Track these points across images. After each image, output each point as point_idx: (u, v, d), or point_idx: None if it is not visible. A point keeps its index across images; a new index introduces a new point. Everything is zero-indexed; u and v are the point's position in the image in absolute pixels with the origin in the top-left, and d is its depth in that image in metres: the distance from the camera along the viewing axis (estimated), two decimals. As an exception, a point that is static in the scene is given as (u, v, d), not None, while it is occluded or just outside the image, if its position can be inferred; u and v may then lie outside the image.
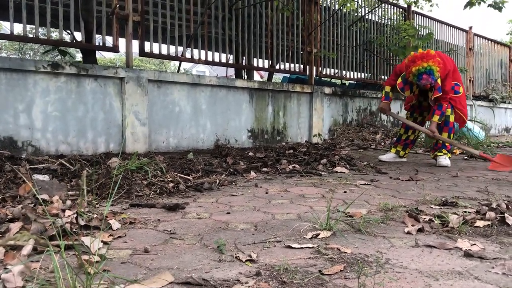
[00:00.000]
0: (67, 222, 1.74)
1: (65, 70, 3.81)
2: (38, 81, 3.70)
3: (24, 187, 2.26)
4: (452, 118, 4.25)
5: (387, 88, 4.43)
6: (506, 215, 2.00)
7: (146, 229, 1.87)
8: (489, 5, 6.73)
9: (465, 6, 6.70)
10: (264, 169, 3.73)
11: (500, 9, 6.65)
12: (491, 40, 11.36)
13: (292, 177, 3.47)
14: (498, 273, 1.37)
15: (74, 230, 1.74)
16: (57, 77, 3.80)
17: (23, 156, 3.46)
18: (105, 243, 1.64)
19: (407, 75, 3.96)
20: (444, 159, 4.26)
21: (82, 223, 1.81)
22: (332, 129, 6.64)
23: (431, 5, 9.39)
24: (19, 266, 1.24)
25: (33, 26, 3.96)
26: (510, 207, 2.20)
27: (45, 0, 3.85)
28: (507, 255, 1.55)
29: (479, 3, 6.62)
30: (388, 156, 4.64)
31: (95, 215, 1.91)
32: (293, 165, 3.83)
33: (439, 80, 4.00)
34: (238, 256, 1.50)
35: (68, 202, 2.07)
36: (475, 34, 10.50)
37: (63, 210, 1.92)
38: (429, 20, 9.06)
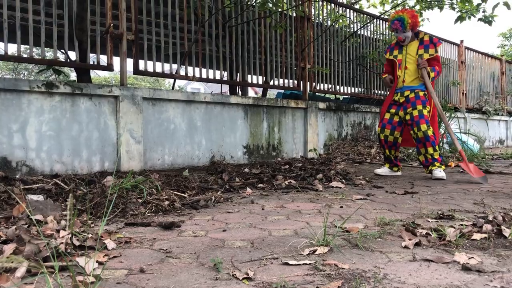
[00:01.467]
0: (62, 243, 1.72)
1: (60, 90, 3.81)
2: (32, 100, 3.70)
3: (18, 208, 2.24)
4: (431, 132, 4.27)
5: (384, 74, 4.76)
6: (502, 227, 2.00)
7: (141, 248, 1.85)
8: (479, 19, 6.84)
9: (456, 21, 6.81)
10: (260, 185, 3.72)
11: (490, 23, 6.75)
12: (483, 53, 11.50)
13: (288, 193, 3.46)
14: (496, 286, 1.37)
15: (69, 250, 1.72)
16: (51, 96, 3.80)
17: (17, 176, 3.44)
18: (100, 263, 1.62)
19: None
20: (439, 172, 4.26)
21: (77, 243, 1.79)
22: (327, 143, 6.65)
23: (422, 20, 9.52)
24: (13, 288, 1.22)
25: (28, 46, 3.98)
26: (506, 219, 2.20)
27: (39, 21, 3.87)
28: (505, 268, 1.55)
29: (469, 17, 6.74)
30: (384, 170, 4.65)
31: (90, 235, 1.89)
32: (289, 181, 3.83)
33: (426, 37, 4.44)
34: (235, 274, 1.48)
35: (63, 222, 2.05)
36: (467, 48, 10.63)
37: (58, 231, 1.90)
38: (421, 34, 9.15)
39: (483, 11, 6.81)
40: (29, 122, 3.68)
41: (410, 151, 6.52)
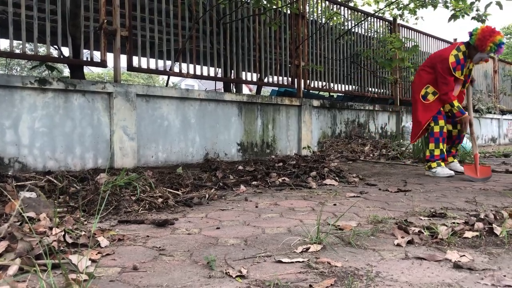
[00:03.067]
0: (55, 240, 1.71)
1: (53, 86, 3.79)
2: (25, 97, 3.67)
3: (11, 205, 2.23)
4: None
5: (456, 102, 4.41)
6: (494, 225, 2.02)
7: (135, 246, 1.85)
8: (473, 18, 6.88)
9: (450, 19, 6.84)
10: (254, 182, 3.72)
11: (483, 21, 6.79)
12: (476, 52, 11.54)
13: (282, 190, 3.46)
14: (487, 284, 1.38)
15: (62, 248, 1.71)
16: (44, 92, 3.78)
17: (9, 173, 3.42)
18: (93, 261, 1.62)
19: (485, 46, 4.15)
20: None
21: (70, 241, 1.78)
22: (321, 141, 6.67)
23: (416, 18, 9.58)
24: (5, 286, 1.21)
25: (20, 42, 3.95)
26: (498, 217, 2.21)
27: (32, 16, 3.84)
28: (495, 266, 1.56)
29: (462, 16, 6.77)
30: (445, 171, 4.43)
31: (83, 233, 1.89)
32: (282, 178, 3.83)
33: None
34: (228, 272, 1.48)
35: (56, 220, 2.05)
36: (460, 46, 10.66)
37: (50, 228, 1.89)
38: (415, 32, 9.20)
39: (477, 10, 6.85)
40: (22, 119, 3.66)
41: (403, 149, 6.55)
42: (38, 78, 3.73)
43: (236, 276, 1.45)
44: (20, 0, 3.77)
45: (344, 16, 7.49)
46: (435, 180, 4.08)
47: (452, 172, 4.42)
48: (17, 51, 4.12)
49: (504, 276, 1.45)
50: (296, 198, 3.09)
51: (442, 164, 4.47)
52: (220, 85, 6.55)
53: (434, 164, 4.43)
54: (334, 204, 2.83)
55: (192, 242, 1.90)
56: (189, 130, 4.88)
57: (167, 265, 1.59)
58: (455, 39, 10.46)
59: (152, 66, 4.73)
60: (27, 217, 1.92)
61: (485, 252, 1.73)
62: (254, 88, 8.07)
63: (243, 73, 5.79)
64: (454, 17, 6.79)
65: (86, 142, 4.02)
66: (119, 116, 4.17)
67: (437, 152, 4.44)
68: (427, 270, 1.53)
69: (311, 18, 6.83)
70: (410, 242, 1.86)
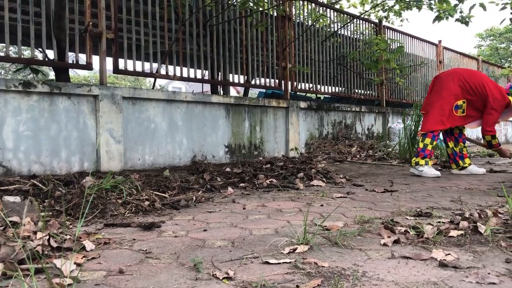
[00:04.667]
0: (39, 245, 1.69)
1: (37, 89, 3.75)
2: (9, 100, 3.63)
3: (-6, 210, 2.19)
4: None
5: (496, 135, 4.61)
6: (478, 224, 2.04)
7: (121, 249, 1.84)
8: (457, 20, 6.97)
9: (434, 20, 6.92)
10: (242, 184, 3.72)
11: (467, 23, 6.88)
12: (460, 53, 11.70)
13: (269, 192, 3.46)
14: (472, 282, 1.39)
15: (46, 252, 1.69)
16: (29, 95, 3.73)
17: (-7, 177, 3.37)
18: (78, 264, 1.60)
19: None
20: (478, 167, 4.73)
21: (54, 245, 1.76)
22: (308, 142, 6.69)
23: (401, 20, 9.71)
24: (-13, 292, 1.19)
25: (4, 44, 3.90)
26: (482, 216, 2.24)
27: (16, 18, 3.80)
28: (480, 263, 1.58)
29: (447, 18, 6.86)
30: (432, 171, 4.47)
31: (68, 236, 1.87)
32: (270, 180, 3.83)
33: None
34: (215, 274, 1.48)
35: (40, 224, 2.02)
36: (445, 48, 10.81)
37: (35, 232, 1.87)
38: (400, 34, 9.29)
39: (460, 12, 6.94)
40: (6, 122, 3.61)
41: (390, 149, 6.60)
42: (23, 81, 3.68)
43: (223, 278, 1.45)
44: (4, 3, 3.72)
45: (330, 18, 7.54)
46: (421, 180, 4.12)
47: (438, 173, 4.46)
48: (1, 54, 4.07)
49: (488, 273, 1.46)
50: (284, 200, 3.09)
51: (430, 163, 4.50)
52: (207, 87, 6.54)
53: (422, 161, 4.47)
54: (321, 205, 2.84)
55: (179, 245, 1.90)
56: (176, 133, 4.86)
57: (154, 268, 1.58)
58: (440, 41, 10.59)
59: (139, 68, 4.71)
60: (11, 221, 1.90)
61: (470, 250, 1.75)
62: (241, 90, 8.05)
63: (230, 75, 5.79)
64: (438, 18, 6.87)
65: (72, 146, 3.98)
66: (105, 119, 4.14)
67: (429, 148, 4.49)
68: (413, 269, 1.54)
69: (298, 20, 6.85)
70: (396, 242, 1.87)
